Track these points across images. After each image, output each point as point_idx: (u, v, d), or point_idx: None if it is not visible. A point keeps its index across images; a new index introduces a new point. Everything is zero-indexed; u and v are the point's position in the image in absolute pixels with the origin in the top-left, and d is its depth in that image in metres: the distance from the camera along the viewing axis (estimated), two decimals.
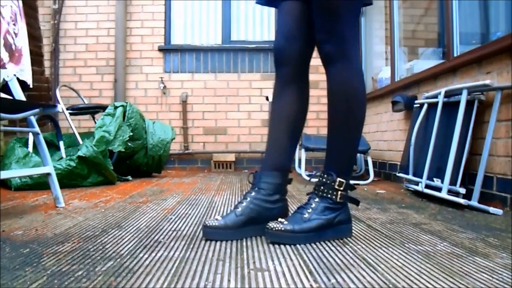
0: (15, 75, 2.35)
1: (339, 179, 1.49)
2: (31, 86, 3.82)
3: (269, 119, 1.67)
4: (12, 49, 3.31)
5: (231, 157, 4.93)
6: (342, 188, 1.49)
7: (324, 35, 1.52)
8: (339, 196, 1.49)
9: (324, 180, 1.50)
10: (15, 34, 3.37)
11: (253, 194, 1.55)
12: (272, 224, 1.42)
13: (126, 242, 1.42)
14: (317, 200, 1.49)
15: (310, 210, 1.47)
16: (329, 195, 1.48)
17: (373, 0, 1.66)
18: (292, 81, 1.63)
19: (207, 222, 1.47)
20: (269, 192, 1.56)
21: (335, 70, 1.53)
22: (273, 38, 5.15)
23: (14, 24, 3.37)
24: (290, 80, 1.63)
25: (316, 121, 5.01)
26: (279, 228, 1.41)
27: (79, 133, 3.92)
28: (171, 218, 1.87)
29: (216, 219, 1.48)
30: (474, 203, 2.14)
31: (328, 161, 1.55)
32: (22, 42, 3.57)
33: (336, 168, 1.50)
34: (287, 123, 1.62)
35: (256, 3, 1.73)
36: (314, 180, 1.59)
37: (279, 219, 1.45)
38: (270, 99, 4.93)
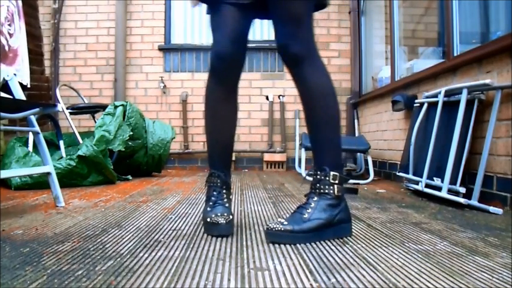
0: (15, 74, 2.35)
1: (332, 173, 1.49)
2: (28, 86, 3.82)
3: (215, 121, 1.71)
4: (5, 50, 3.31)
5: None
6: (337, 182, 1.50)
7: (289, 39, 1.53)
8: (336, 190, 1.49)
9: (319, 177, 1.51)
10: (10, 35, 3.36)
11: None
12: (272, 225, 1.43)
13: (126, 241, 1.42)
14: (316, 198, 1.49)
15: (309, 210, 1.47)
16: (326, 191, 1.49)
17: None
18: (236, 88, 1.70)
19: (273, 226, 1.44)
20: None
21: (306, 70, 1.55)
22: (272, 37, 5.15)
23: (10, 25, 3.37)
24: (234, 87, 1.70)
25: None
26: (279, 228, 1.41)
27: (79, 132, 3.92)
28: (171, 218, 1.87)
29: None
30: (474, 202, 2.14)
31: (319, 158, 1.56)
32: (19, 42, 3.57)
33: (329, 164, 1.51)
34: (233, 131, 1.73)
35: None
36: (309, 178, 1.61)
37: (279, 220, 1.45)
38: (271, 98, 4.95)
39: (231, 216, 1.54)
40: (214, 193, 1.63)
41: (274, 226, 1.42)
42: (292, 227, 1.41)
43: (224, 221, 1.50)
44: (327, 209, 1.47)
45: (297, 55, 1.53)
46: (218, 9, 1.59)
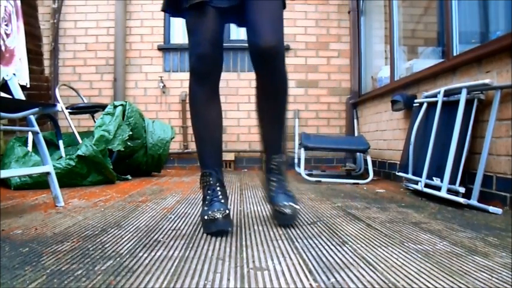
0: (14, 74, 2.35)
1: (284, 156, 1.80)
2: (28, 86, 3.82)
3: (202, 122, 1.75)
4: (0, 50, 3.30)
5: (231, 156, 4.94)
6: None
7: (270, 36, 1.59)
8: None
9: (282, 160, 1.78)
10: (7, 35, 3.36)
11: None
12: (286, 210, 1.63)
13: (125, 241, 1.42)
14: (281, 176, 1.77)
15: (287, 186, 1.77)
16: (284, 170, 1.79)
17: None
18: (217, 88, 1.75)
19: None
20: None
21: (280, 63, 1.65)
22: None
23: (7, 25, 3.36)
24: (216, 88, 1.75)
25: (316, 120, 5.01)
26: (296, 208, 1.66)
27: (78, 132, 3.92)
28: (171, 217, 1.87)
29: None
30: (474, 202, 2.15)
31: (276, 146, 1.79)
32: (16, 42, 3.57)
33: (282, 150, 1.79)
34: (220, 130, 1.79)
35: (163, 11, 1.78)
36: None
37: (284, 203, 1.66)
38: None
39: (227, 211, 1.55)
40: (209, 192, 1.65)
41: (289, 209, 1.64)
42: (298, 205, 1.70)
43: (221, 216, 1.51)
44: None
45: (272, 52, 1.60)
46: (197, 12, 1.62)
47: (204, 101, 1.71)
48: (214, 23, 1.64)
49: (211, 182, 1.66)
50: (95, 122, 4.02)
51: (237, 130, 5.00)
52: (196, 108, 1.73)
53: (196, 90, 1.70)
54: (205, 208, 1.60)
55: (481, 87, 2.29)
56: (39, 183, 2.82)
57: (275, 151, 1.77)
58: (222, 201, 1.62)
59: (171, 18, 5.06)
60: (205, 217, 1.54)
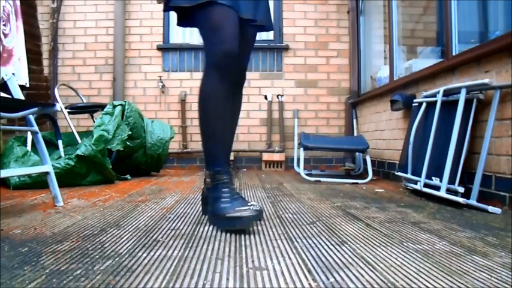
0: (13, 74, 2.35)
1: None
2: (27, 85, 3.82)
3: (220, 119, 1.75)
4: None
5: (230, 156, 4.92)
6: None
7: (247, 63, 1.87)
8: None
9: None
10: (5, 35, 3.36)
11: None
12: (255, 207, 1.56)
13: (125, 241, 1.42)
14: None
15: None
16: None
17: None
18: (235, 87, 1.84)
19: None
20: None
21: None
22: (271, 37, 5.18)
23: (5, 25, 3.36)
24: (235, 86, 1.81)
25: (315, 120, 5.02)
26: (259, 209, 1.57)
27: (78, 132, 3.91)
28: (170, 217, 1.87)
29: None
30: (473, 201, 2.15)
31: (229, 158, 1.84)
32: (14, 42, 3.57)
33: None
34: (236, 127, 1.92)
35: (179, 25, 1.89)
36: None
37: (252, 202, 1.60)
38: (269, 98, 4.95)
39: (257, 206, 1.57)
40: (227, 189, 1.64)
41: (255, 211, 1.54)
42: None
43: (253, 210, 1.54)
44: None
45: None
46: (223, 9, 1.65)
47: (224, 97, 1.71)
48: (238, 23, 1.69)
49: (226, 180, 1.66)
50: (94, 121, 4.01)
51: (236, 130, 4.98)
52: (214, 105, 1.70)
53: (217, 87, 1.68)
54: (226, 205, 1.58)
55: (480, 86, 2.29)
56: (39, 182, 2.81)
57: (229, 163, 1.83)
58: (243, 197, 1.64)
59: (171, 18, 5.06)
60: (230, 214, 1.54)
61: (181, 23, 1.88)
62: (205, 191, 1.90)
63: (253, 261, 1.19)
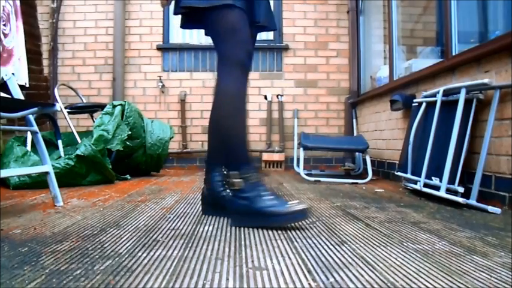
0: (13, 74, 2.35)
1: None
2: (27, 85, 3.82)
3: (243, 118, 1.79)
4: None
5: None
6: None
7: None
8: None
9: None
10: (5, 35, 3.35)
11: None
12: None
13: (124, 240, 1.42)
14: None
15: None
16: None
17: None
18: None
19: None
20: None
21: None
22: (271, 37, 5.18)
23: (5, 25, 3.36)
24: None
25: (315, 120, 5.02)
26: None
27: (78, 132, 3.91)
28: (170, 217, 1.87)
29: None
30: (473, 201, 2.15)
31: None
32: (14, 42, 3.57)
33: None
34: None
35: (181, 27, 1.93)
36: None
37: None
38: (269, 97, 4.95)
39: (302, 203, 1.64)
40: (263, 187, 1.68)
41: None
42: None
43: (301, 203, 1.62)
44: None
45: None
46: (241, 12, 1.72)
47: (245, 95, 1.78)
48: (247, 24, 1.77)
49: (260, 178, 1.70)
50: (93, 121, 4.01)
51: None
52: (241, 103, 1.76)
53: (242, 85, 1.75)
54: (274, 202, 1.61)
55: (480, 86, 2.29)
56: (38, 182, 2.81)
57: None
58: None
59: (170, 18, 5.06)
60: (286, 210, 1.58)
61: (188, 25, 1.91)
62: (206, 191, 1.92)
63: (253, 261, 1.19)
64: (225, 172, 1.76)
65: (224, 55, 1.74)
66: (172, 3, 1.86)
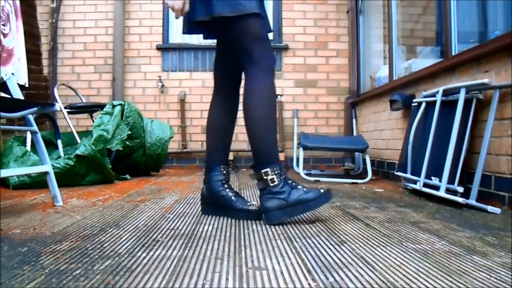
0: (13, 74, 2.34)
1: None
2: (27, 85, 3.82)
3: (276, 118, 1.98)
4: None
5: (230, 156, 4.92)
6: None
7: None
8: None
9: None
10: (4, 35, 3.35)
11: None
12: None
13: (124, 240, 1.42)
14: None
15: None
16: None
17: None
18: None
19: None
20: None
21: None
22: (271, 37, 5.16)
23: (4, 25, 3.36)
24: None
25: (315, 120, 5.02)
26: None
27: (77, 132, 3.91)
28: (169, 217, 1.87)
29: None
30: (472, 201, 2.15)
31: None
32: (14, 42, 3.56)
33: None
34: None
35: (187, 33, 1.99)
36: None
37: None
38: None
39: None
40: (291, 180, 1.79)
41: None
42: None
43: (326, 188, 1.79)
44: None
45: None
46: (264, 21, 1.84)
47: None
48: None
49: (286, 173, 1.80)
50: (93, 121, 4.01)
51: (235, 129, 4.98)
52: (275, 105, 1.95)
53: (274, 86, 1.89)
54: (306, 189, 1.75)
55: (479, 86, 2.29)
56: (38, 182, 2.81)
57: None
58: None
59: (170, 18, 5.06)
60: (317, 193, 1.73)
61: (193, 31, 1.96)
62: (206, 191, 1.93)
63: (252, 261, 1.19)
64: (261, 171, 1.79)
65: (257, 60, 1.81)
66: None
